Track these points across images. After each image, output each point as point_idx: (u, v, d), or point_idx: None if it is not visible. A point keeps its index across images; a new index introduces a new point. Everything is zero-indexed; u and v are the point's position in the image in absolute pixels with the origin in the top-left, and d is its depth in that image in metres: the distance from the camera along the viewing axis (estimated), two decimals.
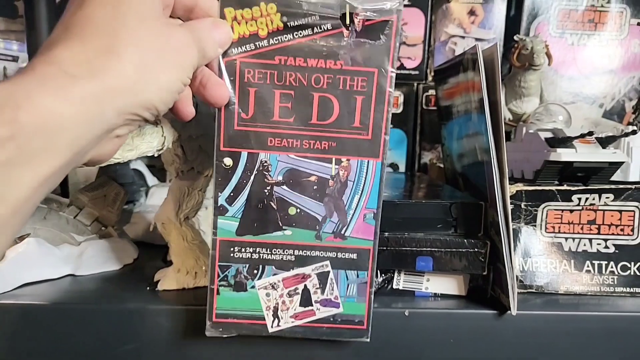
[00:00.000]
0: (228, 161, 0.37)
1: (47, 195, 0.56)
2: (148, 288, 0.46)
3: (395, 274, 0.45)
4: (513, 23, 0.73)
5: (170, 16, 0.32)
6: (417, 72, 0.72)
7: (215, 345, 0.42)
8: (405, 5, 0.70)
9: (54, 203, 0.53)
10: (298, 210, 0.38)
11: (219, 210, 0.38)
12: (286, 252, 0.39)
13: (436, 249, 0.43)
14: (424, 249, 0.43)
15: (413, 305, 0.43)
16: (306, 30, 0.35)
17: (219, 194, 0.38)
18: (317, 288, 0.39)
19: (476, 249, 0.42)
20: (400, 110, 0.72)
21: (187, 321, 0.42)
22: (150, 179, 0.75)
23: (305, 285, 0.39)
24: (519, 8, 0.72)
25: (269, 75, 0.36)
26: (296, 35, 0.35)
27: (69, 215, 0.53)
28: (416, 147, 0.73)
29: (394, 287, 0.45)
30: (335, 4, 0.34)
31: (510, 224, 0.41)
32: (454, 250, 0.43)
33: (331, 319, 0.39)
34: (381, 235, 0.43)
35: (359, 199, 0.38)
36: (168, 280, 0.46)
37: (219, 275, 0.39)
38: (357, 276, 0.39)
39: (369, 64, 0.36)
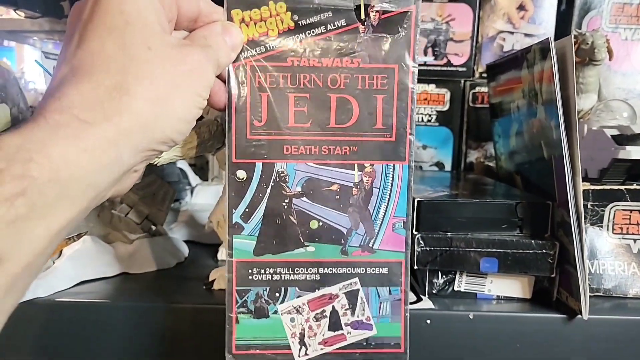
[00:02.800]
0: (241, 174, 0.34)
1: None
2: (205, 287, 0.45)
3: (457, 276, 0.43)
4: (564, 18, 0.70)
5: (175, 29, 0.31)
6: (464, 69, 0.70)
7: None
8: (452, 0, 0.68)
9: (105, 201, 0.53)
10: (320, 223, 0.35)
11: (234, 229, 0.35)
12: (310, 270, 0.35)
13: (502, 250, 0.41)
14: (489, 249, 0.41)
15: (477, 308, 0.42)
16: (319, 28, 0.33)
17: (233, 210, 0.34)
18: (346, 309, 0.35)
19: (545, 250, 0.41)
20: (446, 108, 0.70)
21: None
22: (193, 178, 0.75)
23: (333, 307, 0.35)
24: (570, 2, 0.70)
25: (282, 78, 0.33)
26: (308, 34, 0.33)
27: (120, 213, 0.53)
28: (462, 145, 0.72)
29: (455, 289, 0.44)
30: None
31: (583, 224, 0.39)
32: (521, 251, 0.41)
33: (364, 343, 0.36)
34: (444, 236, 0.42)
35: (386, 207, 0.35)
36: (224, 279, 0.45)
37: (237, 302, 0.35)
38: (390, 292, 0.35)
39: (388, 60, 0.33)
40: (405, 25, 0.33)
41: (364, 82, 0.34)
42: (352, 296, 0.36)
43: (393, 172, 0.34)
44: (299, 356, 0.35)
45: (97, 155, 0.24)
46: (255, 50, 0.33)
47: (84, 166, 0.24)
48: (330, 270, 0.35)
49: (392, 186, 0.35)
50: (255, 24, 0.33)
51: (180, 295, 0.44)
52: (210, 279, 0.46)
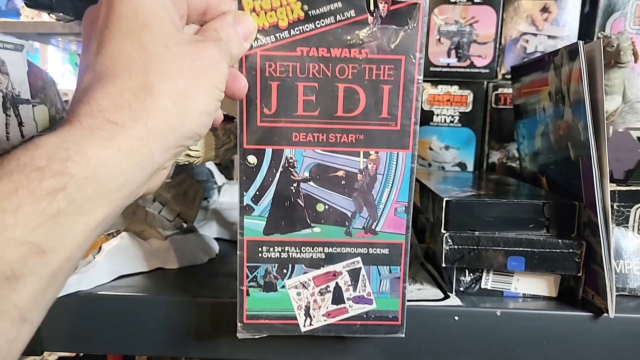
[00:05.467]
0: (252, 159, 0.36)
1: None
2: None
3: (484, 274, 0.44)
4: (587, 20, 0.71)
5: (185, 23, 0.31)
6: (487, 71, 0.70)
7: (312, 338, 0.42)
8: (476, 3, 0.69)
9: (139, 199, 0.55)
10: (326, 206, 0.37)
11: (245, 210, 0.37)
12: (316, 250, 0.38)
13: (529, 249, 0.42)
14: (517, 248, 0.42)
15: (503, 305, 0.43)
16: (328, 19, 0.34)
17: (244, 193, 0.37)
18: (348, 285, 0.38)
19: (571, 250, 0.42)
20: (469, 109, 0.71)
21: None
22: (219, 177, 0.77)
23: (336, 283, 0.38)
24: (593, 4, 0.70)
25: (291, 68, 0.34)
26: (318, 24, 0.34)
27: (153, 210, 0.55)
28: (485, 146, 0.72)
29: (482, 286, 0.45)
30: None
31: (610, 224, 0.40)
32: (548, 250, 0.42)
33: (364, 316, 0.38)
34: (471, 235, 0.43)
35: (389, 192, 0.37)
36: None
37: (247, 276, 0.38)
38: (390, 271, 0.38)
39: (396, 51, 0.34)
40: (413, 17, 0.34)
41: (372, 72, 0.35)
42: (354, 273, 0.38)
43: (397, 159, 0.36)
44: (304, 326, 0.38)
45: (131, 154, 0.26)
46: (266, 40, 0.34)
47: (119, 165, 0.25)
48: (335, 249, 0.38)
49: (395, 173, 0.36)
50: (265, 13, 0.33)
51: (215, 289, 0.45)
52: None
